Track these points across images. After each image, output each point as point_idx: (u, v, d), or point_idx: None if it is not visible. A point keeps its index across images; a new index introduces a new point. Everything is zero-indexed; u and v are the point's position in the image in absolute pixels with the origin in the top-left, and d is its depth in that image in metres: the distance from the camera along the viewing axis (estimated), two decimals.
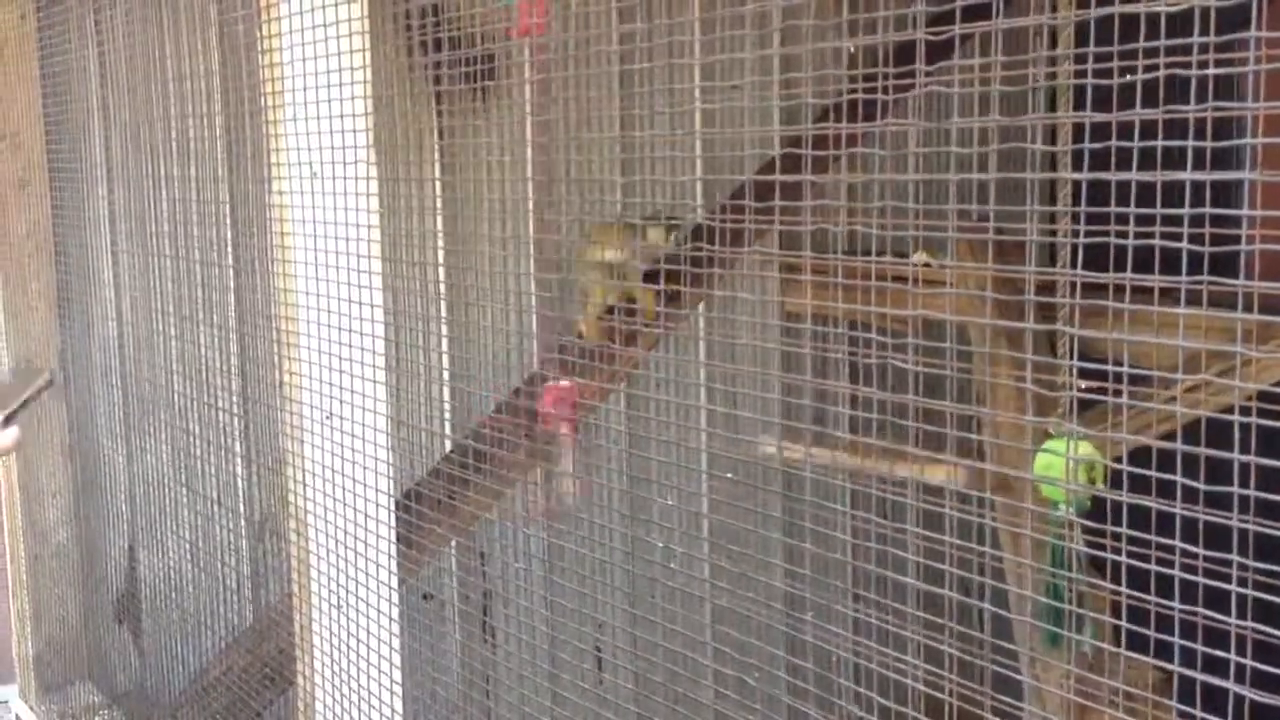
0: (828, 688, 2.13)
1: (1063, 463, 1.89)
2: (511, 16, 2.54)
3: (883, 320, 2.26)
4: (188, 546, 4.41)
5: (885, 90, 2.07)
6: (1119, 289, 1.62)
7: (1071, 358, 1.83)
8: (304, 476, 2.80)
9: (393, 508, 2.72)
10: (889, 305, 2.18)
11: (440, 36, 2.95)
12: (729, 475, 2.41)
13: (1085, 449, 1.90)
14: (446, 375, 2.94)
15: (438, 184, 3.50)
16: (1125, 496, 1.56)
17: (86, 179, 4.62)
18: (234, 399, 3.91)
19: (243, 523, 4.11)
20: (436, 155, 3.50)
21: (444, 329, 3.42)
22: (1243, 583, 1.47)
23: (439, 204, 3.50)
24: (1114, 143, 1.58)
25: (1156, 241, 1.56)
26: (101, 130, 4.50)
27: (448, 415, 3.24)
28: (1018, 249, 2.10)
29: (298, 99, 2.61)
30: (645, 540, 2.68)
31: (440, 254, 3.49)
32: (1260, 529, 1.43)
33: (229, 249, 3.89)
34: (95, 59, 4.46)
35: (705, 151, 3.30)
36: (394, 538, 2.68)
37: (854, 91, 2.17)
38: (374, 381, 2.59)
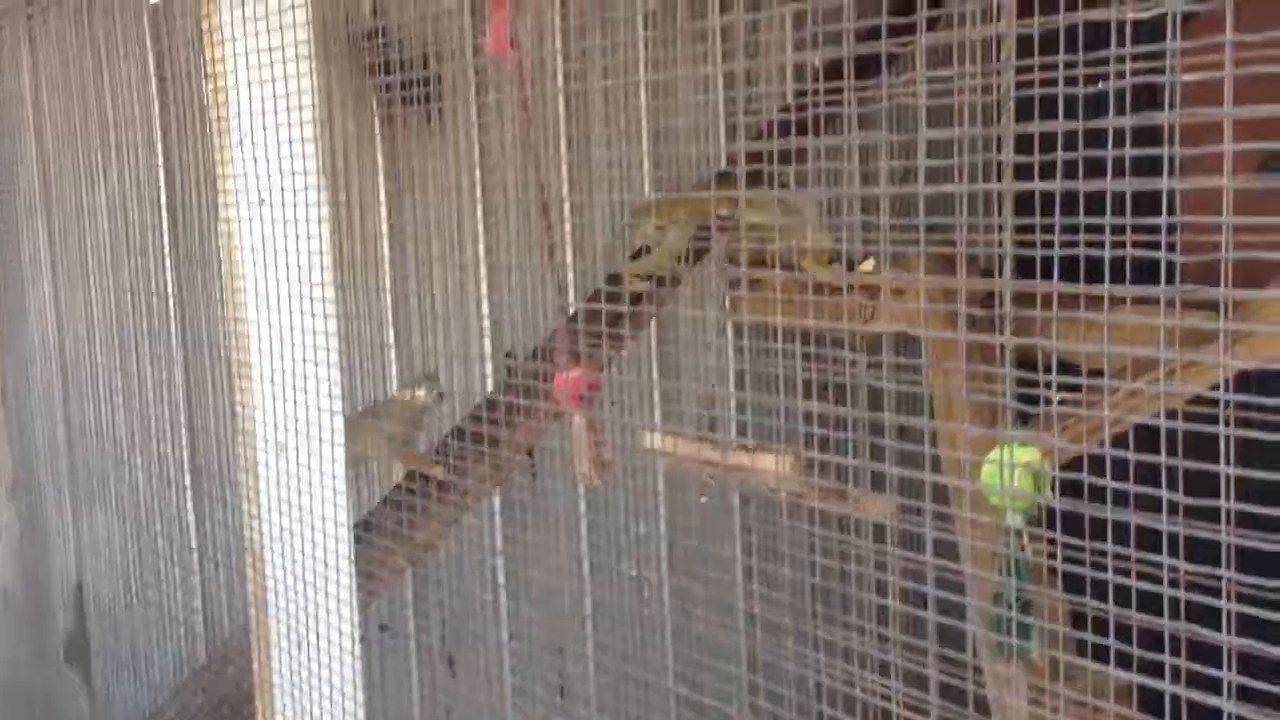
0: (783, 704, 2.11)
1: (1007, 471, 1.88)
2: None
3: (831, 333, 2.24)
4: (136, 583, 4.32)
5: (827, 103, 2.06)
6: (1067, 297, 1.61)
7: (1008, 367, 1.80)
8: (258, 510, 2.73)
9: (351, 540, 2.66)
10: (833, 317, 2.17)
11: (389, 58, 2.91)
12: (703, 499, 2.38)
13: (1028, 455, 1.88)
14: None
15: (383, 209, 3.45)
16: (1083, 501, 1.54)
17: (23, 210, 4.53)
18: (181, 434, 3.84)
19: (192, 556, 4.03)
20: (381, 180, 3.46)
21: (393, 355, 3.38)
22: (1174, 584, 1.47)
23: (385, 229, 3.46)
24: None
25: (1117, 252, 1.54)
26: (38, 159, 4.41)
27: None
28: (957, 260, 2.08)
29: (244, 125, 2.55)
30: (610, 565, 2.66)
31: (388, 279, 3.45)
32: (1190, 532, 1.43)
33: (170, 279, 3.81)
34: (29, 87, 4.36)
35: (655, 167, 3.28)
36: (353, 570, 2.62)
37: (802, 106, 2.16)
38: (329, 411, 2.53)
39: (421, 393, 3.02)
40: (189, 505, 3.95)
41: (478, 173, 3.40)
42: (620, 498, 3.46)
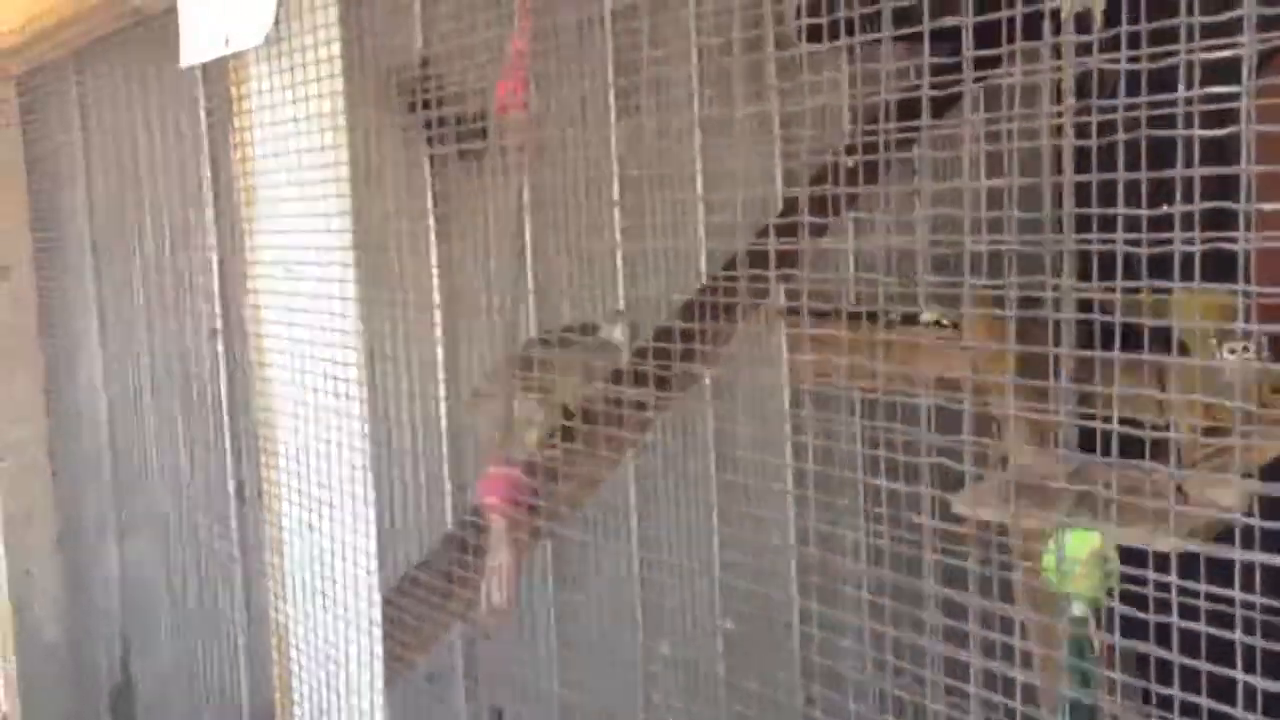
0: None
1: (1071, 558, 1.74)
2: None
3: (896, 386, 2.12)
4: (182, 644, 4.26)
5: (887, 148, 1.95)
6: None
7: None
8: (284, 591, 2.64)
9: (376, 631, 2.56)
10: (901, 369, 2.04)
11: (438, 101, 2.83)
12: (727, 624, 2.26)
13: (1093, 542, 1.75)
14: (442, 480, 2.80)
15: (434, 280, 3.37)
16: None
17: (74, 265, 4.51)
18: (230, 506, 3.77)
19: (235, 623, 3.96)
20: (432, 246, 3.38)
21: (435, 428, 3.30)
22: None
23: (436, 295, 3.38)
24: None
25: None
26: (87, 214, 4.39)
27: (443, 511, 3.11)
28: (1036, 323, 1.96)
29: (271, 195, 2.48)
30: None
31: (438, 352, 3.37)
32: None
33: (219, 347, 3.75)
34: (81, 143, 4.35)
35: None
36: (378, 659, 2.52)
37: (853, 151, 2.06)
38: (353, 495, 2.44)
39: (617, 332, 2.90)
40: (237, 580, 3.88)
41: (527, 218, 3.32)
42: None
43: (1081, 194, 1.75)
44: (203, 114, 3.72)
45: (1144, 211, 1.45)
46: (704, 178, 3.38)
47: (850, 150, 2.20)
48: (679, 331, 2.61)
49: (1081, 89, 1.76)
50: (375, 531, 2.53)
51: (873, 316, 2.25)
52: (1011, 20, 1.56)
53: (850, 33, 1.81)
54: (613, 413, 2.83)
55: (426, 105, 2.85)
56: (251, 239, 2.54)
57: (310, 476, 2.53)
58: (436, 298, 3.40)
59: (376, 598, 2.54)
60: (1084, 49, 1.57)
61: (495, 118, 2.41)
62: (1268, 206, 1.30)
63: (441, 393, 3.47)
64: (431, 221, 3.45)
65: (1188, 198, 1.40)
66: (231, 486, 3.72)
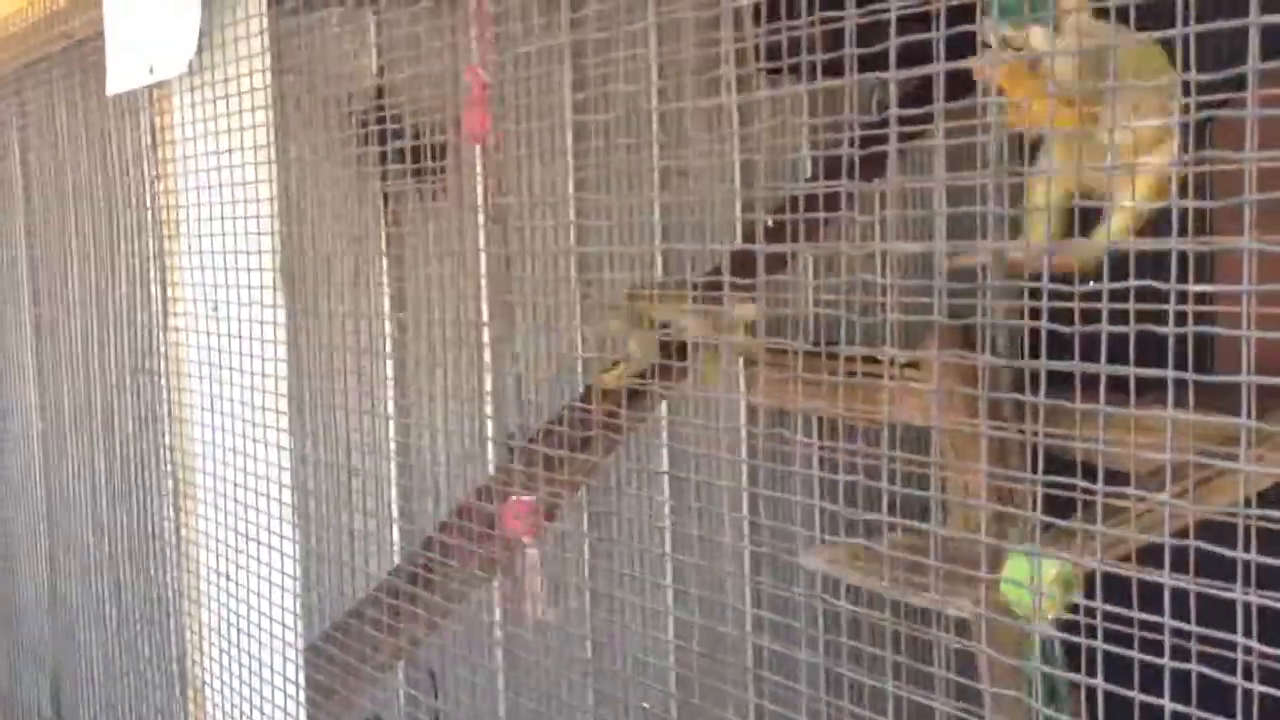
0: None
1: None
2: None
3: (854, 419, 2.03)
4: (113, 681, 4.13)
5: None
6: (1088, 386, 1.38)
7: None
8: (201, 643, 2.52)
9: (300, 681, 2.44)
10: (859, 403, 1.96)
11: (393, 130, 2.74)
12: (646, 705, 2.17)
13: (1056, 567, 1.66)
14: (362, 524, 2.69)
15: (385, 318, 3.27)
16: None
17: (11, 290, 4.39)
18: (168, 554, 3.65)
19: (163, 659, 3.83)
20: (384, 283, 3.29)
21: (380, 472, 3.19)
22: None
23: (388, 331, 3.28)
24: None
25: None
26: (24, 239, 4.27)
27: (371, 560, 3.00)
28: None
29: (195, 229, 2.37)
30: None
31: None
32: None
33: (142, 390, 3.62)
34: (19, 167, 4.24)
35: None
36: (301, 702, 2.40)
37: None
38: (274, 545, 2.33)
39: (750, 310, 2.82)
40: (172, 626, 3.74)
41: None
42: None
43: None
44: (142, 138, 3.62)
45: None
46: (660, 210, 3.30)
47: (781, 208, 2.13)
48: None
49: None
50: (298, 582, 2.42)
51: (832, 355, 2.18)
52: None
53: (812, 75, 1.73)
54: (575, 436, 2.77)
55: (382, 137, 2.77)
56: (174, 275, 2.43)
57: (231, 523, 2.42)
58: (388, 330, 3.31)
59: (297, 649, 2.43)
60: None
61: (463, 148, 2.35)
62: (1196, 288, 1.21)
63: (390, 432, 3.38)
64: (384, 259, 3.36)
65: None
66: (155, 528, 3.61)
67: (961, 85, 1.54)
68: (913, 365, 2.47)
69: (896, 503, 1.62)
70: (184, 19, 2.27)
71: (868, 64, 1.58)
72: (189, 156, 2.34)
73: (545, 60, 2.93)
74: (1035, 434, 1.50)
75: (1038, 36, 1.42)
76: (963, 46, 1.49)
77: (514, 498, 2.48)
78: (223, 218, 2.33)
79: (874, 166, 1.92)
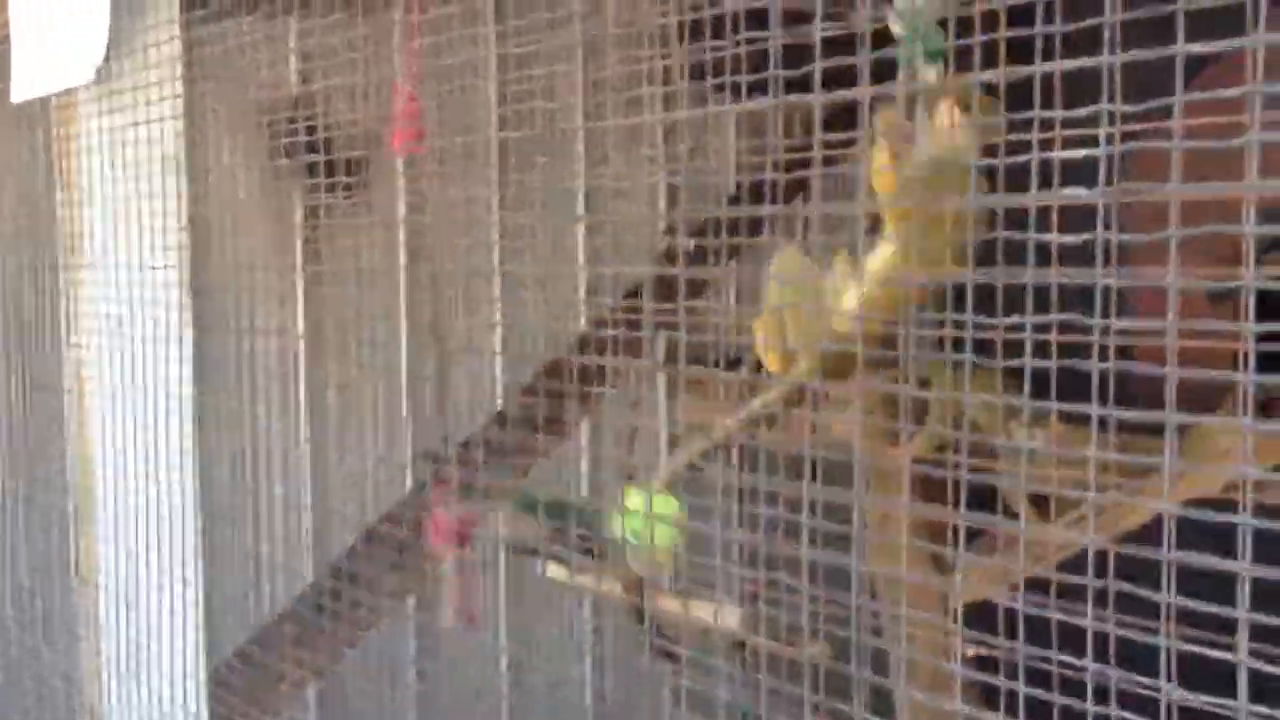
0: None
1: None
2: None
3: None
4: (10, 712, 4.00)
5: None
6: None
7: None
8: (102, 671, 2.44)
9: (204, 708, 2.37)
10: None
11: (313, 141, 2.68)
12: None
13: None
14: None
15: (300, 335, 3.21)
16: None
17: None
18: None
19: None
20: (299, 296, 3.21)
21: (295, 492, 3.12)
22: None
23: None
24: None
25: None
26: None
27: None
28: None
29: (100, 243, 2.30)
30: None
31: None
32: None
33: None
34: None
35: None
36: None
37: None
38: (178, 573, 2.25)
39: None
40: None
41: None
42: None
43: None
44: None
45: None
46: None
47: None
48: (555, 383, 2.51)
49: None
50: (201, 610, 2.35)
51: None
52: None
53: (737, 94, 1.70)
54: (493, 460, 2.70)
55: (300, 148, 2.70)
56: (77, 289, 2.35)
57: (133, 548, 2.34)
58: (302, 349, 3.24)
59: (199, 681, 2.35)
60: None
61: (387, 158, 2.29)
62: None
63: (305, 449, 3.31)
64: (299, 275, 3.29)
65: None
66: (55, 553, 3.50)
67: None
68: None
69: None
70: (92, 26, 2.20)
71: (793, 85, 1.55)
72: (95, 167, 2.27)
73: (469, 74, 2.89)
74: (957, 466, 1.48)
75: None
76: (888, 71, 1.47)
77: (438, 512, 2.38)
78: (129, 230, 2.26)
79: (797, 189, 1.89)
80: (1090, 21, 1.16)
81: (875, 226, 1.55)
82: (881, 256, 1.53)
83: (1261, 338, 1.14)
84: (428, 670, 3.37)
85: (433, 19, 2.31)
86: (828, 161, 1.65)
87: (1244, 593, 1.02)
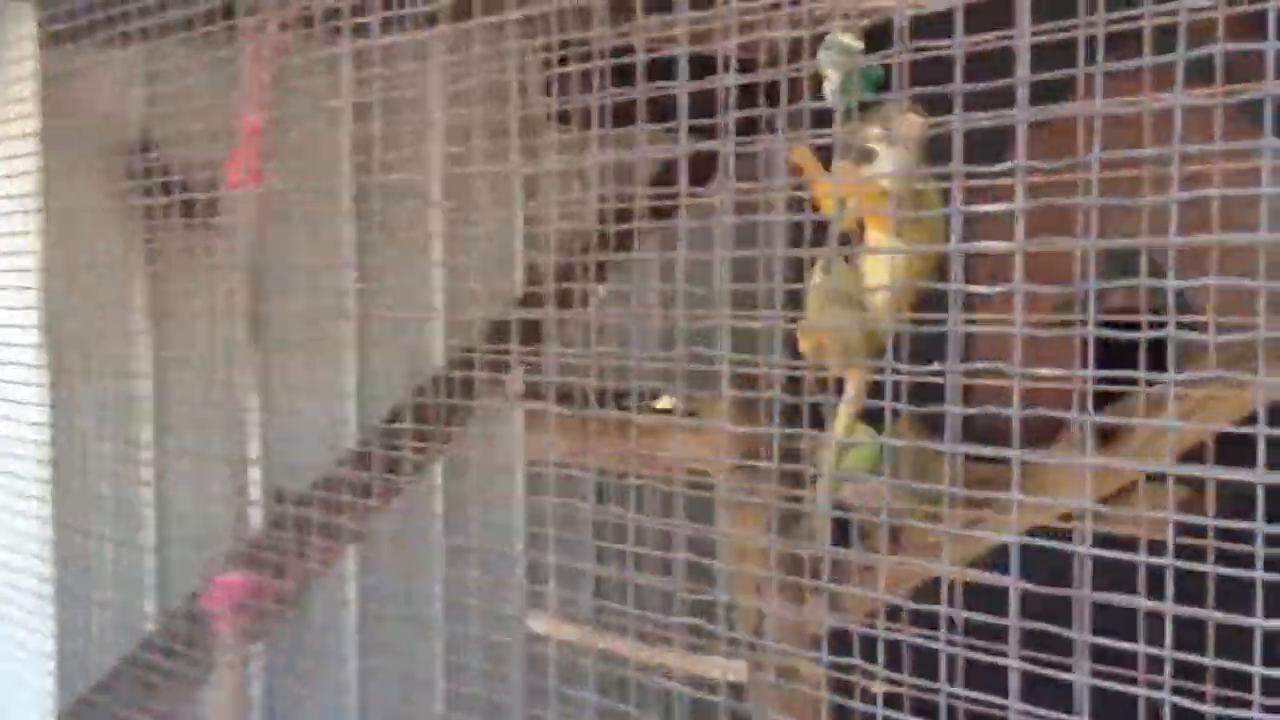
0: None
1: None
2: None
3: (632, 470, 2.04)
4: None
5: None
6: None
7: None
8: None
9: None
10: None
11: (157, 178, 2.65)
12: None
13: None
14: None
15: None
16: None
17: None
18: None
19: None
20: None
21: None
22: None
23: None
24: None
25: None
26: None
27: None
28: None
29: None
30: None
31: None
32: None
33: None
34: None
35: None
36: None
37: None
38: (26, 621, 2.21)
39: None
40: None
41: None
42: None
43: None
44: None
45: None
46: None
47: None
48: (412, 413, 2.52)
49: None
50: (54, 657, 2.31)
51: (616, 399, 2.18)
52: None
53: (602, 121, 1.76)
54: (333, 500, 2.67)
55: (150, 185, 2.67)
56: None
57: None
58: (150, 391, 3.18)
59: None
60: None
61: (226, 193, 2.28)
62: None
63: (150, 490, 3.23)
64: (145, 316, 3.23)
65: None
66: None
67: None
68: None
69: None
70: None
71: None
72: None
73: (325, 117, 2.90)
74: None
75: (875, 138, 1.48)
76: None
77: (222, 577, 2.29)
78: None
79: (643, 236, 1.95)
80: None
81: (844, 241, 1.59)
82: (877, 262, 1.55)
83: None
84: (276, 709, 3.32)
85: (291, 65, 2.32)
86: (673, 211, 1.71)
87: (1084, 619, 1.10)
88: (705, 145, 1.58)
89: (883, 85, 1.41)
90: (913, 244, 1.48)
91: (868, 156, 1.48)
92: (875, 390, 1.44)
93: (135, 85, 2.97)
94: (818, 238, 1.51)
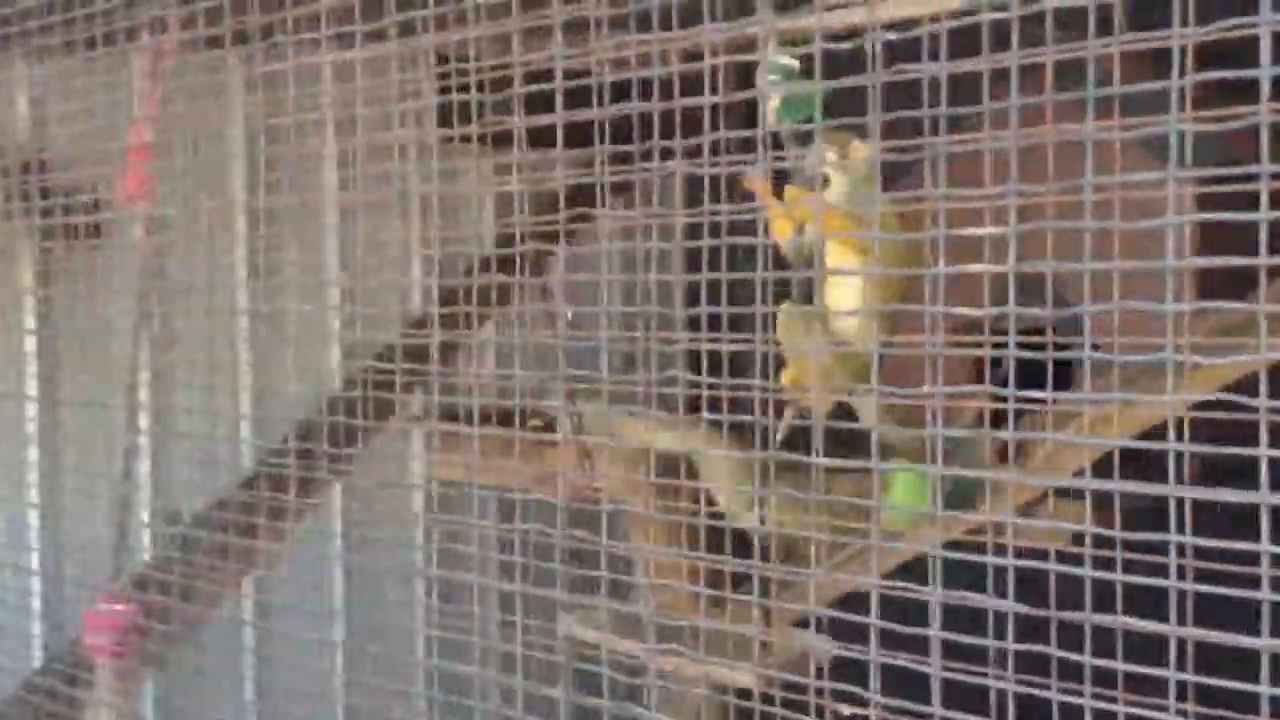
0: None
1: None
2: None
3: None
4: None
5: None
6: None
7: None
8: None
9: None
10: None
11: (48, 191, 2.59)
12: None
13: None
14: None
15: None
16: None
17: None
18: None
19: None
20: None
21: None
22: None
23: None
24: None
25: None
26: None
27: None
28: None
29: None
30: None
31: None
32: None
33: None
34: None
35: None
36: None
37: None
38: None
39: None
40: None
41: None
42: None
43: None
44: None
45: None
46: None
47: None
48: (314, 433, 2.49)
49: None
50: None
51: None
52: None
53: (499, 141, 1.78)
54: (243, 521, 2.63)
55: (39, 195, 2.62)
56: None
57: None
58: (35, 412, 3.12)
59: None
60: None
61: (117, 208, 2.25)
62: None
63: (34, 521, 3.16)
64: (31, 336, 3.16)
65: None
66: None
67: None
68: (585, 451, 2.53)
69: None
70: None
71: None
72: None
73: (218, 141, 2.87)
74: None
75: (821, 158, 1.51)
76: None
77: (98, 609, 2.23)
78: None
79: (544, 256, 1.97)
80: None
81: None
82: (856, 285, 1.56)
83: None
84: None
85: (181, 87, 2.30)
86: (570, 234, 1.74)
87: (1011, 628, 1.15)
88: (581, 177, 1.62)
89: (826, 105, 1.45)
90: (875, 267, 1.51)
91: (822, 181, 1.51)
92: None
93: (22, 102, 2.92)
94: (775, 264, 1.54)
